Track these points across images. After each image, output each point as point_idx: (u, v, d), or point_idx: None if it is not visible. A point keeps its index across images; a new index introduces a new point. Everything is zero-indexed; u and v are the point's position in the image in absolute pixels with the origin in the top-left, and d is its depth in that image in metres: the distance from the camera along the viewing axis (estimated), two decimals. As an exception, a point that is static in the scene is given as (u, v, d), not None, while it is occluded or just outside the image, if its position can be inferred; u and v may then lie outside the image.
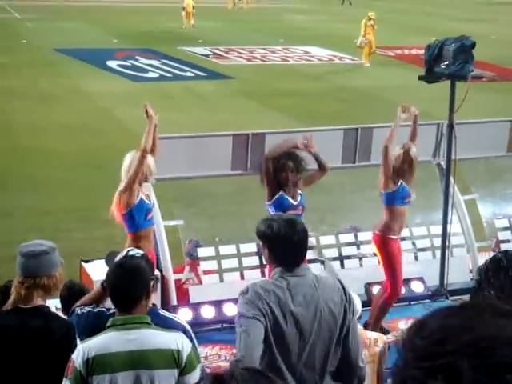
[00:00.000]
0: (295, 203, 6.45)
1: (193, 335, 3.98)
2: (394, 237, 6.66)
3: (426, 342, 1.15)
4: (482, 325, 1.13)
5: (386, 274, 6.73)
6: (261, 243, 3.69)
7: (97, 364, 3.40)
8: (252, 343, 3.34)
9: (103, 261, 7.09)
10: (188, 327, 4.04)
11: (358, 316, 4.92)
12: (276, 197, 6.42)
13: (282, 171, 6.40)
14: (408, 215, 8.09)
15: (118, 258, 3.87)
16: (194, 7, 32.85)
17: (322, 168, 6.64)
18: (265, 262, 4.45)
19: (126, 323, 3.50)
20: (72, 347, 3.71)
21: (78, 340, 3.86)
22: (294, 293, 3.48)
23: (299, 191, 6.52)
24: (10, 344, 3.63)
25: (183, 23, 32.58)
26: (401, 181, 6.62)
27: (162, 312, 4.07)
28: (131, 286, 3.55)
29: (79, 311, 3.93)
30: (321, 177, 6.72)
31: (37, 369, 3.65)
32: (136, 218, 5.97)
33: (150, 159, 5.97)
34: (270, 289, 3.46)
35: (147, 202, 6.07)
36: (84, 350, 3.43)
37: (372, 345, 4.87)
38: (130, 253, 4.18)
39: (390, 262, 6.69)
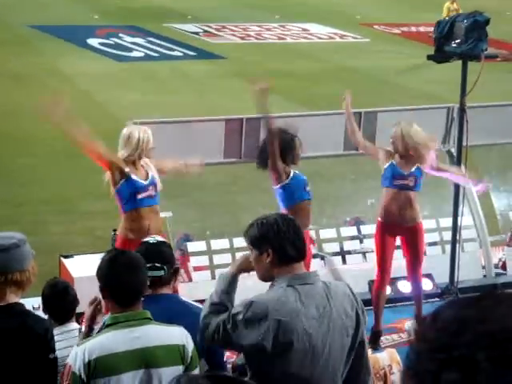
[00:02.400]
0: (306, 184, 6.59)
1: None
2: None
3: (440, 334, 1.17)
4: (499, 316, 1.15)
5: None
6: (255, 252, 3.48)
7: (100, 366, 3.40)
8: None
9: (84, 256, 7.11)
10: None
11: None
12: (291, 176, 6.47)
13: (292, 149, 6.46)
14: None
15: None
16: None
17: None
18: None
19: (129, 320, 3.51)
20: (50, 347, 3.72)
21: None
22: (306, 304, 3.39)
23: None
24: None
25: None
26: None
27: (184, 299, 4.15)
28: (134, 280, 3.56)
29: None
30: None
31: (13, 370, 3.64)
32: (123, 196, 6.08)
33: (149, 133, 6.12)
34: (281, 300, 3.36)
35: (139, 180, 6.12)
36: (83, 352, 3.42)
37: (388, 374, 4.84)
38: (151, 241, 4.21)
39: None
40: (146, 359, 3.47)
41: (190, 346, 3.59)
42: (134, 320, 3.52)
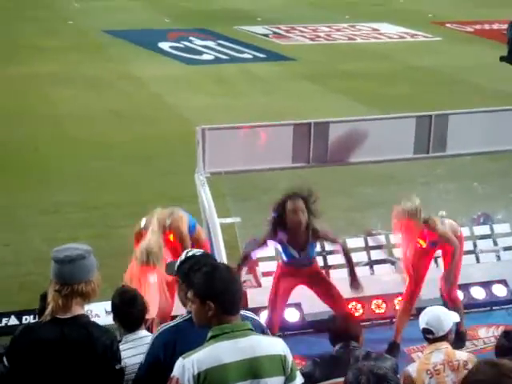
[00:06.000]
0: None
1: (269, 332, 4.05)
2: None
3: None
4: None
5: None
6: None
7: (210, 378, 3.38)
8: None
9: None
10: (264, 324, 4.10)
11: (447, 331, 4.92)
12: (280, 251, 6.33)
13: (292, 214, 6.22)
14: (489, 210, 8.00)
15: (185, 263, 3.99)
16: None
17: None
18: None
19: (234, 331, 3.49)
20: (117, 358, 3.75)
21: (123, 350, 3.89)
22: None
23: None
24: (50, 358, 3.64)
25: None
26: None
27: None
28: (237, 289, 3.58)
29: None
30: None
31: (81, 381, 3.67)
32: None
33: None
34: None
35: None
36: (191, 364, 3.39)
37: (461, 368, 4.79)
38: (190, 254, 4.19)
39: None
40: (254, 370, 3.46)
41: (290, 356, 3.58)
42: (239, 331, 3.50)
